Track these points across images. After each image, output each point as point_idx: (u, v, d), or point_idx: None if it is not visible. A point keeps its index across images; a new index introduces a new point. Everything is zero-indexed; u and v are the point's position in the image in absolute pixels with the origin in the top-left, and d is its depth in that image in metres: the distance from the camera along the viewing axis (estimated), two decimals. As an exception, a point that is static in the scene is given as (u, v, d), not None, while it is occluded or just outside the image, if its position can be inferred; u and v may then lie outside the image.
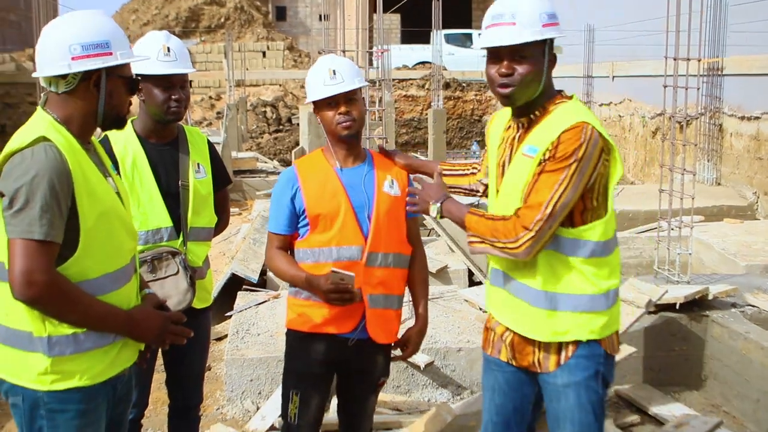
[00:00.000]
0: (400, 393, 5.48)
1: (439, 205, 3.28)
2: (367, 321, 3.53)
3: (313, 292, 3.47)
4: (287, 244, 3.63)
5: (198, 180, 3.96)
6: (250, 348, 5.63)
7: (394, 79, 23.89)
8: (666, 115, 6.91)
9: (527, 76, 3.01)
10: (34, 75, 2.93)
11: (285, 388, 3.68)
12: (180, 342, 3.05)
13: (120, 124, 2.99)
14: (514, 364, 3.26)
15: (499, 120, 3.36)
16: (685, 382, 5.68)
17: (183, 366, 4.09)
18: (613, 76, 16.85)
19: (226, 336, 7.02)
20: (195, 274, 3.92)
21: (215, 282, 8.39)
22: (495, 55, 3.06)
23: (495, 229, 3.01)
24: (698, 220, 9.48)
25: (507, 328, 3.25)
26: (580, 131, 2.92)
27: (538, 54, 3.02)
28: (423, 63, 29.17)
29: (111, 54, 2.81)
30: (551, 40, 3.05)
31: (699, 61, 7.01)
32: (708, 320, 5.66)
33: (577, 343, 3.09)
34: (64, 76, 2.80)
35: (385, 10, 7.30)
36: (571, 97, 3.15)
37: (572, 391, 3.11)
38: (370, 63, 10.15)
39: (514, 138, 3.18)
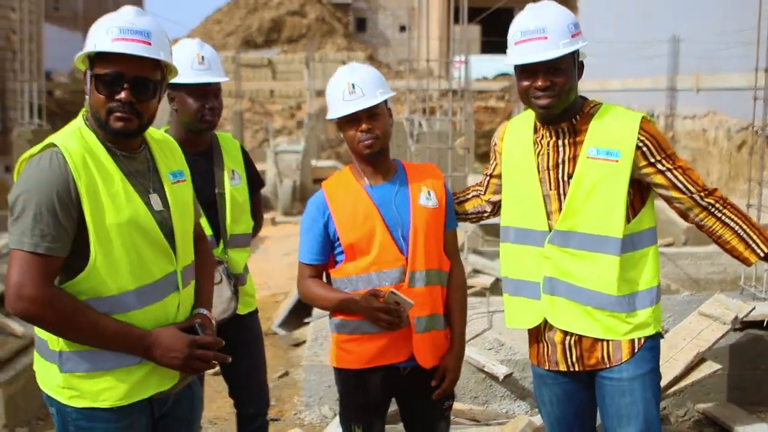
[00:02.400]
0: (477, 403, 5.44)
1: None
2: (414, 347, 3.32)
3: (357, 311, 3.27)
4: (320, 274, 3.44)
5: (234, 187, 3.95)
6: (329, 354, 5.65)
7: (473, 91, 23.85)
8: (754, 128, 6.76)
9: (565, 87, 3.08)
10: None
11: (345, 421, 3.53)
12: (209, 368, 2.81)
13: (104, 128, 2.66)
14: (576, 369, 3.24)
15: (516, 130, 3.39)
16: (772, 401, 5.53)
17: (240, 375, 4.07)
18: (698, 89, 16.54)
19: (304, 342, 7.08)
20: (237, 282, 3.93)
21: (294, 292, 8.49)
22: (529, 70, 3.10)
23: (745, 216, 3.14)
24: (786, 236, 9.23)
25: (567, 334, 3.23)
26: (650, 123, 3.12)
27: (571, 64, 3.10)
28: (503, 75, 29.08)
29: (84, 48, 2.63)
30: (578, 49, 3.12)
31: (790, 72, 6.83)
32: (797, 339, 5.51)
33: (652, 334, 3.20)
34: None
35: (461, 21, 7.30)
36: (598, 102, 3.25)
37: (638, 384, 3.15)
38: (447, 72, 10.17)
39: (557, 143, 3.20)
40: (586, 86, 21.33)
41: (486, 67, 30.46)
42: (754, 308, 5.27)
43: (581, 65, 3.18)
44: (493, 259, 8.00)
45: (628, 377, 3.15)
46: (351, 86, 3.26)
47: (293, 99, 32.36)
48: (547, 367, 3.33)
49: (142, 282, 2.66)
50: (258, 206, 4.25)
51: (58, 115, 28.16)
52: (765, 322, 5.47)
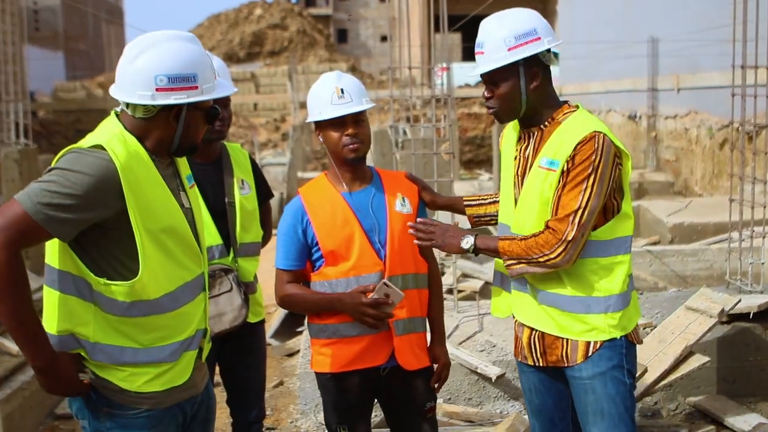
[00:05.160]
0: (471, 405, 5.50)
1: (473, 239, 3.27)
2: (395, 349, 3.41)
3: (343, 309, 3.32)
4: (298, 279, 3.47)
5: (243, 196, 4.01)
6: (322, 362, 5.68)
7: (456, 98, 23.96)
8: (735, 125, 6.84)
9: (504, 98, 3.21)
10: (111, 92, 2.76)
11: (329, 424, 3.58)
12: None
13: (193, 153, 2.91)
14: (541, 364, 3.34)
15: (511, 132, 3.47)
16: (761, 392, 5.59)
17: (241, 381, 4.12)
18: (678, 89, 16.67)
19: (297, 352, 7.12)
20: (248, 290, 3.98)
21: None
22: (482, 80, 3.29)
23: (529, 247, 3.13)
24: (770, 230, 9.33)
25: (532, 330, 3.33)
26: (593, 141, 3.07)
27: (512, 75, 3.18)
28: (485, 80, 29.20)
29: (196, 88, 2.69)
30: (528, 58, 3.16)
31: None
32: (783, 330, 5.59)
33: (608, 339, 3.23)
34: (144, 104, 2.68)
35: (442, 30, 7.38)
36: (577, 107, 3.27)
37: (598, 382, 3.21)
38: (430, 79, 10.26)
39: (527, 148, 3.29)
40: (567, 89, 21.30)
41: (468, 74, 30.58)
42: (740, 300, 5.35)
43: (535, 73, 3.19)
44: (482, 263, 8.07)
45: (588, 376, 3.22)
46: (340, 91, 3.35)
47: (277, 112, 32.40)
48: (519, 359, 3.46)
49: (177, 284, 2.78)
50: (267, 216, 4.31)
51: (43, 134, 28.17)
52: (751, 314, 5.55)
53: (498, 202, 3.62)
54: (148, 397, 2.76)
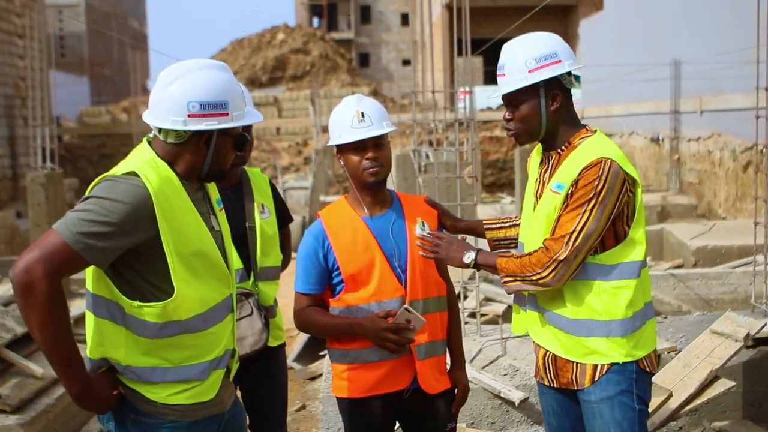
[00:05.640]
0: (494, 429, 5.47)
1: (474, 254, 3.31)
2: (418, 374, 3.40)
3: (363, 334, 3.30)
4: (318, 303, 3.45)
5: (264, 221, 4.04)
6: (346, 385, 5.68)
7: (478, 121, 23.99)
8: (759, 147, 6.81)
9: (524, 119, 3.26)
10: (144, 118, 2.84)
11: None
12: None
13: (221, 179, 3.00)
14: (554, 385, 3.37)
15: (536, 154, 3.51)
16: (788, 417, 5.54)
17: (263, 406, 4.13)
18: (701, 111, 16.61)
19: (320, 375, 7.11)
20: (268, 314, 3.99)
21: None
22: (503, 102, 3.34)
23: (523, 265, 3.18)
24: (795, 253, 9.24)
25: (546, 350, 3.37)
26: (599, 167, 3.09)
27: (532, 97, 3.23)
28: (507, 104, 29.22)
29: (227, 115, 2.79)
30: (549, 81, 3.21)
31: (791, 91, 6.90)
32: (809, 354, 5.52)
33: (612, 362, 3.22)
34: (175, 129, 2.77)
35: (465, 53, 7.41)
36: (594, 131, 3.29)
37: (606, 406, 3.22)
38: (452, 103, 10.30)
39: (546, 172, 3.34)
40: (589, 112, 21.30)
41: (490, 96, 30.63)
42: (765, 324, 5.31)
43: (555, 95, 3.24)
44: (504, 287, 8.03)
45: (596, 399, 3.24)
46: (360, 114, 3.34)
47: (300, 136, 32.54)
48: (538, 379, 3.50)
49: (207, 306, 2.83)
50: (286, 240, 4.33)
51: (68, 159, 28.44)
52: (777, 339, 5.50)
53: (518, 225, 3.64)
54: (174, 409, 2.81)
